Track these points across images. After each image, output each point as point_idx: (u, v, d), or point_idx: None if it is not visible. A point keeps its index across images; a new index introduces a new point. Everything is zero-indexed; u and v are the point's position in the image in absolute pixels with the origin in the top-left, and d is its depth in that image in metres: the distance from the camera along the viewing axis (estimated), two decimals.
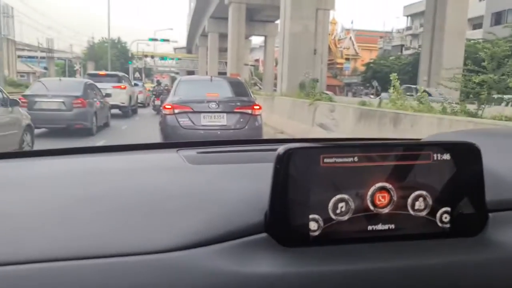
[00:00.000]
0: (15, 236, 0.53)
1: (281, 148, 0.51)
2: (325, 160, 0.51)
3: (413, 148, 0.55)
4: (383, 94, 16.33)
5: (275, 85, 23.05)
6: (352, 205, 0.52)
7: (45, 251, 0.49)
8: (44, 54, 56.09)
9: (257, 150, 1.10)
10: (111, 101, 13.17)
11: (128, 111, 15.64)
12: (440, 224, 0.55)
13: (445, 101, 7.33)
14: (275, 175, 0.51)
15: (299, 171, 0.51)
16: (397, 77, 7.82)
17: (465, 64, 9.82)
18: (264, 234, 0.53)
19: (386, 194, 0.53)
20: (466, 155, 0.55)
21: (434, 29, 18.92)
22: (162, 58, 67.68)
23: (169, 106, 6.48)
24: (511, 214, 0.60)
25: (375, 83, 30.33)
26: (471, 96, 9.34)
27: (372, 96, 23.56)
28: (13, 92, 19.09)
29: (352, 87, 49.89)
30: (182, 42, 70.26)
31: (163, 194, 0.65)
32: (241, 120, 6.58)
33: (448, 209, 0.55)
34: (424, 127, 5.91)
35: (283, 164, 0.51)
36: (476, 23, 35.77)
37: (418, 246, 0.55)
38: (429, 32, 19.45)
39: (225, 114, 6.52)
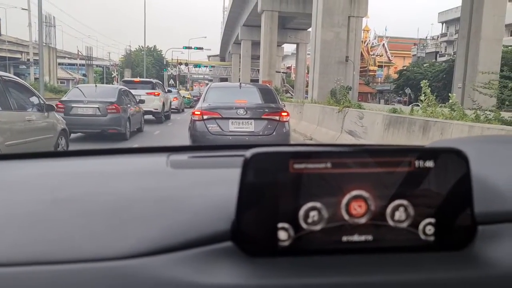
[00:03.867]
0: None
1: (248, 152, 0.48)
2: (295, 165, 0.48)
3: (393, 154, 0.51)
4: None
5: (307, 92, 23.04)
6: (326, 214, 0.49)
7: None
8: (83, 62, 58.12)
9: None
10: (144, 107, 13.46)
11: (161, 117, 15.95)
12: (423, 237, 0.52)
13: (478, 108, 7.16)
14: (241, 181, 0.49)
15: (266, 176, 0.48)
16: (430, 84, 7.68)
17: (501, 71, 9.55)
18: (228, 243, 0.50)
19: (362, 203, 0.50)
20: (451, 163, 0.51)
21: (470, 35, 18.45)
22: (196, 65, 68.99)
23: (198, 112, 6.55)
24: (502, 228, 0.55)
25: (408, 90, 29.83)
26: (507, 103, 9.05)
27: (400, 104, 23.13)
28: (53, 98, 19.82)
29: (385, 94, 49.23)
30: (216, 50, 71.48)
31: (132, 199, 0.63)
32: (269, 126, 6.60)
33: (432, 220, 0.51)
34: (454, 134, 5.79)
35: (249, 169, 0.48)
36: None
37: (399, 259, 0.51)
38: (465, 38, 18.98)
39: (253, 121, 6.57)
